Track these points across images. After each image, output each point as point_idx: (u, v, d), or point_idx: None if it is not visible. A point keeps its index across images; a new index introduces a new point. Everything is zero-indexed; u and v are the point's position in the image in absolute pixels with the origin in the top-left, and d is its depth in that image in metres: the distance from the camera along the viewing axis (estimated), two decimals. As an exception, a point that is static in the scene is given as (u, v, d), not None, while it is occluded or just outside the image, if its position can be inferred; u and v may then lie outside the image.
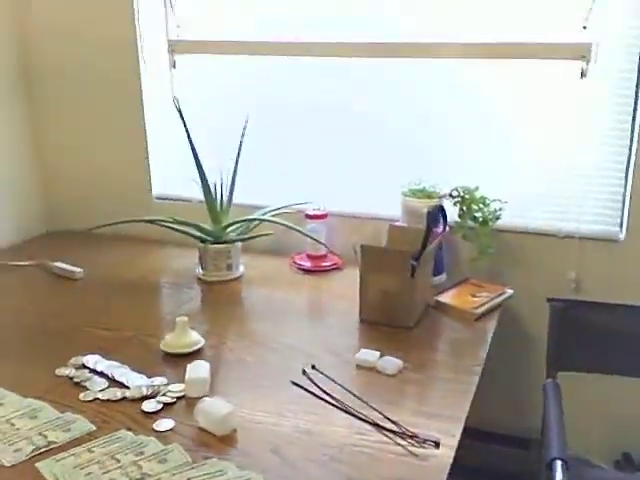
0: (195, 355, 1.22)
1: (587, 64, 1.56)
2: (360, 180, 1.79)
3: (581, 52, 1.55)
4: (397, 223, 1.62)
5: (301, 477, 0.89)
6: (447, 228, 1.55)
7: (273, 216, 1.69)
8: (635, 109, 1.55)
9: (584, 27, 1.55)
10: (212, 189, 1.66)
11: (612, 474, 1.38)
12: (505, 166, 1.68)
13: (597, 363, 1.35)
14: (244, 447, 0.96)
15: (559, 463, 1.04)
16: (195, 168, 1.63)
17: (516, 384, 1.67)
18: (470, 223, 1.58)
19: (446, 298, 1.48)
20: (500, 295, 1.51)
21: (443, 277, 1.63)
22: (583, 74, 1.57)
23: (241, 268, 1.68)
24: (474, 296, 1.49)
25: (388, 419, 1.02)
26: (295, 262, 1.74)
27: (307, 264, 1.72)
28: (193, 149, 1.62)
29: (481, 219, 1.56)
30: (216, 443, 0.96)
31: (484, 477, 1.67)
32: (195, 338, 1.25)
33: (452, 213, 1.60)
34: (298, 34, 1.76)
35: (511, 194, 1.65)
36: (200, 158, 1.63)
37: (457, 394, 1.11)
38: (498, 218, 1.57)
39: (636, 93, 1.54)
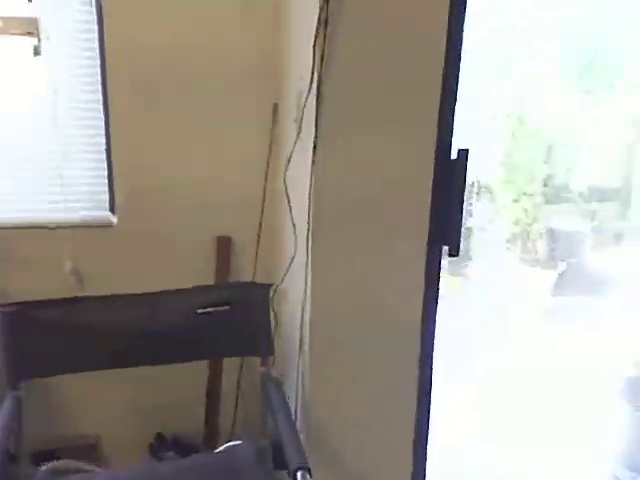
0: None
1: (39, 41, 1.44)
2: None
3: (27, 28, 1.42)
4: None
5: None
6: None
7: None
8: (105, 85, 1.49)
9: (29, 0, 1.43)
10: None
11: (96, 475, 1.28)
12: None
13: (63, 363, 1.23)
14: None
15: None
16: None
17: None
18: None
19: None
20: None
21: None
22: (37, 51, 1.45)
23: None
24: None
25: None
26: None
27: None
28: None
29: None
30: None
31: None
32: None
33: None
34: None
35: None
36: None
37: None
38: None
39: (103, 70, 1.48)
